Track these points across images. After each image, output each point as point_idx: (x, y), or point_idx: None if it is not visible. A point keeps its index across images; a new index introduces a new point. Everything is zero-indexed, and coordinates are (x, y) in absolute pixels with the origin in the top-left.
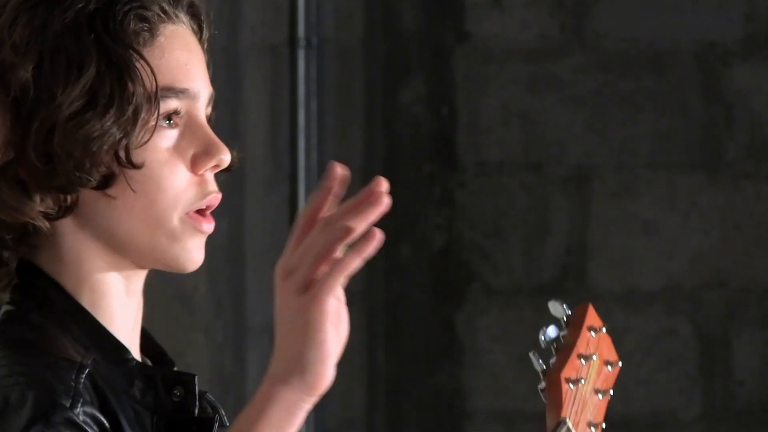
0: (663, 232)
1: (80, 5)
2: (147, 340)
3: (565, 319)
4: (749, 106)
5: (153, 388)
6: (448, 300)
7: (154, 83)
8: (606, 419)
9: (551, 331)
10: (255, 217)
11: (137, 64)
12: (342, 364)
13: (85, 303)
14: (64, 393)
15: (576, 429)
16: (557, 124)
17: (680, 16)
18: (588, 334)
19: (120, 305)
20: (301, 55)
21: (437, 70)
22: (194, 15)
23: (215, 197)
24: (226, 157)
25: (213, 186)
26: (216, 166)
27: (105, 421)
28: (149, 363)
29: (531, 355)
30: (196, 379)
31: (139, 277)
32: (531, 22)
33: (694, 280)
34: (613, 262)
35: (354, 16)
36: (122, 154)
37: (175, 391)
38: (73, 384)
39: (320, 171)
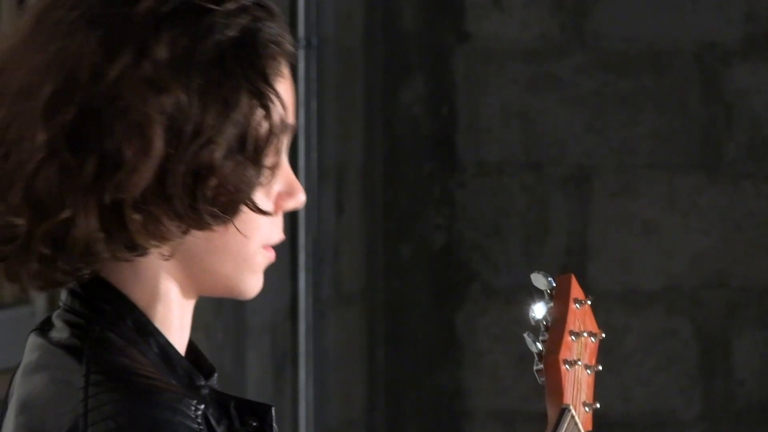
0: (663, 232)
1: (220, 35)
2: (194, 354)
3: (549, 291)
4: (749, 106)
5: (226, 417)
6: (448, 300)
7: (285, 126)
8: (596, 399)
9: (540, 308)
10: None
11: (279, 107)
12: (342, 364)
13: (157, 323)
14: None
15: (577, 414)
16: (557, 124)
17: (680, 16)
18: (574, 307)
19: (180, 323)
20: (301, 55)
21: (437, 70)
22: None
23: (282, 237)
24: (303, 198)
25: (282, 224)
26: (293, 207)
27: None
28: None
29: (525, 335)
30: (273, 411)
31: (196, 298)
32: (531, 22)
33: (694, 280)
34: (613, 262)
35: (354, 16)
36: (254, 199)
37: (251, 422)
38: (197, 426)
39: (320, 171)
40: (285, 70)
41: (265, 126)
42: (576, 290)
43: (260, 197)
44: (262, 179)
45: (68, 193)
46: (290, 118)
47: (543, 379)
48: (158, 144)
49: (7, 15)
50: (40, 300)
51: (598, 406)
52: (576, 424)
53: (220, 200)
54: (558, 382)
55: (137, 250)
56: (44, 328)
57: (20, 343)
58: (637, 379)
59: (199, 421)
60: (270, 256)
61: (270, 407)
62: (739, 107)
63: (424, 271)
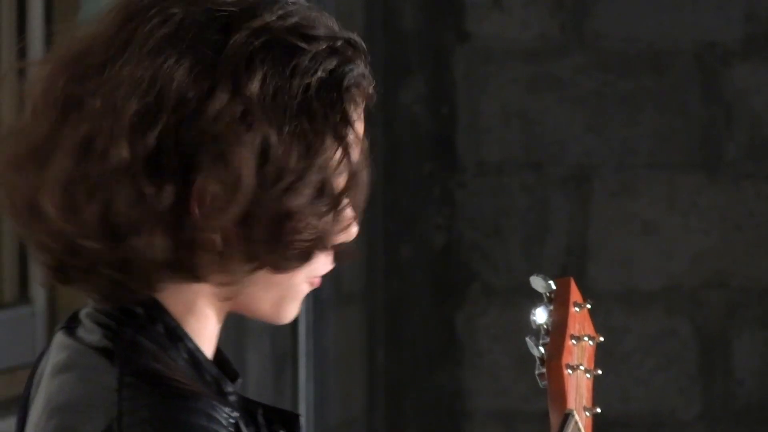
0: (663, 232)
1: (308, 78)
2: (220, 359)
3: (548, 294)
4: (749, 106)
5: (254, 424)
6: (448, 300)
7: (362, 174)
8: (595, 403)
9: (542, 313)
10: None
11: (357, 156)
12: (342, 364)
13: (188, 330)
14: None
15: (580, 420)
16: (557, 124)
17: (680, 16)
18: (574, 311)
19: (212, 332)
20: None
21: (437, 70)
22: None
23: (333, 265)
24: (355, 232)
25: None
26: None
27: None
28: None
29: (527, 339)
30: (301, 420)
31: (228, 312)
32: (531, 22)
33: (694, 280)
34: (613, 262)
35: (354, 16)
36: (328, 244)
37: (278, 429)
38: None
39: None
40: (361, 112)
41: (343, 171)
42: (575, 293)
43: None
44: (339, 226)
45: (144, 220)
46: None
47: (544, 383)
48: (248, 183)
49: (7, 15)
50: (40, 300)
51: (598, 410)
52: (579, 429)
53: (298, 246)
54: (561, 387)
55: (199, 281)
56: (71, 326)
57: (20, 343)
58: (637, 379)
59: (231, 429)
60: (314, 285)
61: (298, 416)
62: (739, 107)
63: (424, 271)
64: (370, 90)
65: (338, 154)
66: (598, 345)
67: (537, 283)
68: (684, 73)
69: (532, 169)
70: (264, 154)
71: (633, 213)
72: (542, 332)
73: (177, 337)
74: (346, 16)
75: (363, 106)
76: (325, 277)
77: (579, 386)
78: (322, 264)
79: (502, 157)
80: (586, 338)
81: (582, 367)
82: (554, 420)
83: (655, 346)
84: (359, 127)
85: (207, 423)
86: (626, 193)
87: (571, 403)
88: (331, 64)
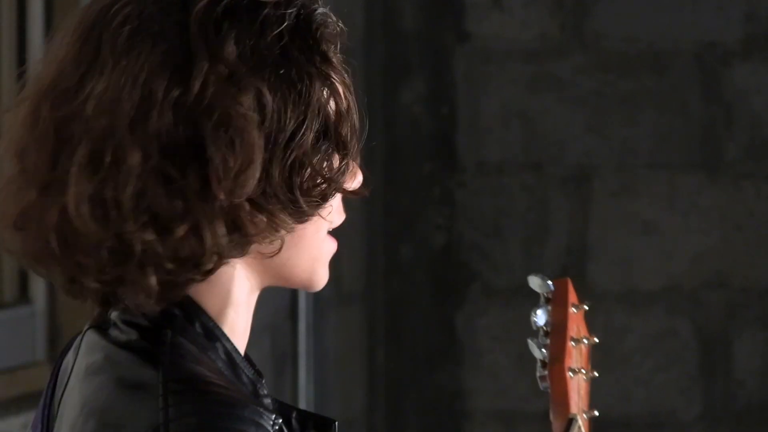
0: (663, 232)
1: (279, 23)
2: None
3: (546, 294)
4: (749, 106)
5: (288, 428)
6: (448, 300)
7: (356, 107)
8: (594, 407)
9: (542, 314)
10: None
11: (347, 89)
12: (342, 364)
13: (226, 328)
14: None
15: (583, 425)
16: (557, 124)
17: (680, 16)
18: (572, 312)
19: (244, 329)
20: None
21: (437, 70)
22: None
23: (343, 217)
24: (361, 179)
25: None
26: (357, 186)
27: None
28: None
29: (529, 341)
30: (336, 426)
31: (257, 294)
32: (531, 22)
33: (694, 280)
34: (613, 262)
35: (354, 16)
36: (346, 184)
37: None
38: None
39: None
40: (336, 50)
41: (336, 107)
42: (573, 295)
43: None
44: (349, 162)
45: (181, 205)
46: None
47: (545, 385)
48: (258, 143)
49: (7, 15)
50: (40, 300)
51: (596, 413)
52: None
53: (316, 189)
54: (564, 391)
55: (246, 250)
56: (102, 326)
57: (20, 343)
58: (637, 380)
59: None
60: (333, 245)
61: (333, 421)
62: (739, 107)
63: (424, 271)
64: (337, 28)
65: (327, 94)
66: (597, 345)
67: (535, 282)
68: (684, 73)
69: (532, 169)
70: (261, 110)
71: (633, 213)
72: (542, 333)
73: (215, 337)
74: (346, 16)
75: (336, 43)
76: None
77: (579, 389)
78: (337, 214)
79: (502, 157)
80: (584, 341)
81: (583, 371)
82: (557, 424)
83: (655, 346)
84: (338, 65)
85: (255, 430)
86: (626, 193)
87: (574, 408)
88: (295, 9)
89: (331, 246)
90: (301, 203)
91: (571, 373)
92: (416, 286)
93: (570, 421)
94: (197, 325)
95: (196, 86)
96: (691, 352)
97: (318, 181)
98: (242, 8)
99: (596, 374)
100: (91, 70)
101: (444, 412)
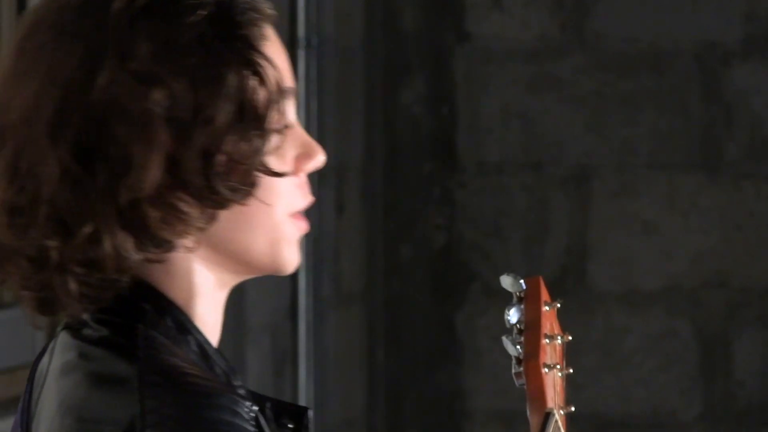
0: (663, 232)
1: (193, 17)
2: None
3: (518, 293)
4: (749, 106)
5: (262, 418)
6: (448, 300)
7: (282, 86)
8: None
9: (515, 313)
10: None
11: (268, 70)
12: (342, 364)
13: (197, 322)
14: None
15: (559, 419)
16: (557, 124)
17: (680, 16)
18: (545, 310)
19: (214, 321)
20: (301, 55)
21: (437, 70)
22: (276, 17)
23: (311, 199)
24: (323, 158)
25: (308, 187)
26: (315, 167)
27: None
28: None
29: (504, 339)
30: (310, 414)
31: (229, 288)
32: (531, 22)
33: (694, 280)
34: (613, 262)
35: (354, 16)
36: (266, 164)
37: (287, 423)
38: (254, 429)
39: (320, 171)
40: (269, 33)
41: (261, 92)
42: (545, 293)
43: (274, 162)
44: (270, 144)
45: (85, 207)
46: (288, 81)
47: (521, 382)
48: (162, 136)
49: (8, 16)
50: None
51: (572, 408)
52: (559, 428)
53: (234, 174)
54: (540, 386)
55: (164, 246)
56: (75, 326)
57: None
58: (637, 380)
59: (253, 423)
60: (301, 226)
61: (306, 409)
62: (739, 107)
63: (424, 271)
64: (267, 11)
65: (249, 77)
66: (597, 345)
67: (507, 282)
68: (684, 73)
69: (532, 169)
70: (173, 103)
71: (633, 213)
72: (515, 332)
73: (186, 330)
74: (346, 16)
75: (267, 26)
76: (325, 277)
77: (554, 384)
78: (294, 196)
79: (502, 157)
80: (558, 338)
81: (558, 366)
82: (534, 420)
83: (655, 346)
84: (269, 46)
85: (231, 418)
86: (626, 193)
87: (550, 402)
88: None
89: (292, 228)
90: (219, 189)
91: (546, 369)
92: (416, 286)
93: (547, 416)
94: (168, 319)
95: (102, 85)
96: (691, 352)
97: (234, 166)
98: (161, 2)
99: (571, 371)
100: (21, 79)
101: (444, 412)
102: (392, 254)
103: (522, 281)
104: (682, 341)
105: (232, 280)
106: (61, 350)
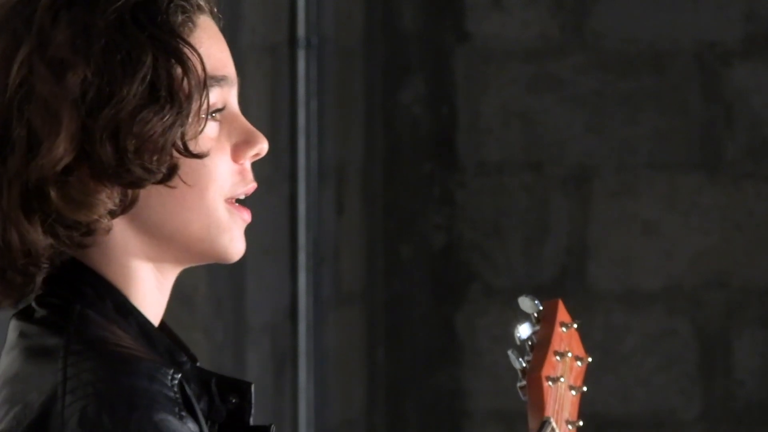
0: (663, 232)
1: (120, 2)
2: (172, 336)
3: (536, 315)
4: (749, 106)
5: (207, 394)
6: (448, 300)
7: (203, 72)
8: (581, 417)
9: (525, 329)
10: (255, 216)
11: (188, 54)
12: (342, 364)
13: (135, 302)
14: (169, 408)
15: (558, 427)
16: (557, 124)
17: (680, 16)
18: (560, 330)
19: (154, 302)
20: (301, 55)
21: (437, 70)
22: (210, 6)
23: (252, 186)
24: (265, 146)
25: (251, 175)
26: (256, 155)
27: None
28: None
29: (509, 353)
30: (253, 388)
31: (174, 274)
32: (531, 22)
33: (694, 280)
34: (613, 262)
35: (354, 16)
36: (182, 145)
37: (231, 398)
38: (173, 395)
39: (320, 171)
40: (201, 22)
41: (180, 77)
42: (562, 314)
43: (203, 146)
44: (190, 127)
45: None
46: (221, 69)
47: (526, 396)
48: (68, 116)
49: None
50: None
51: (581, 423)
52: None
53: (147, 154)
54: (540, 396)
55: (76, 228)
56: (24, 312)
57: None
58: (637, 379)
59: (176, 389)
60: (242, 215)
61: (250, 384)
62: (739, 107)
63: (424, 271)
64: (198, 1)
65: (169, 63)
66: (597, 345)
67: (525, 304)
68: (684, 73)
69: (532, 169)
70: (83, 86)
71: (633, 213)
72: (526, 349)
73: (127, 311)
74: (346, 16)
75: (199, 14)
76: (325, 277)
77: (561, 399)
78: (230, 182)
79: (502, 157)
80: (570, 355)
81: (563, 380)
82: (532, 426)
83: (655, 346)
84: (197, 33)
85: (149, 384)
86: (626, 193)
87: (549, 412)
88: None
89: (227, 213)
90: (130, 168)
91: (550, 382)
92: (416, 286)
93: (543, 423)
94: (108, 300)
95: (17, 73)
96: (691, 352)
97: (145, 145)
98: None
99: (585, 389)
100: None
101: (444, 412)
102: (392, 254)
103: (538, 302)
104: (682, 341)
105: (174, 266)
106: (9, 333)
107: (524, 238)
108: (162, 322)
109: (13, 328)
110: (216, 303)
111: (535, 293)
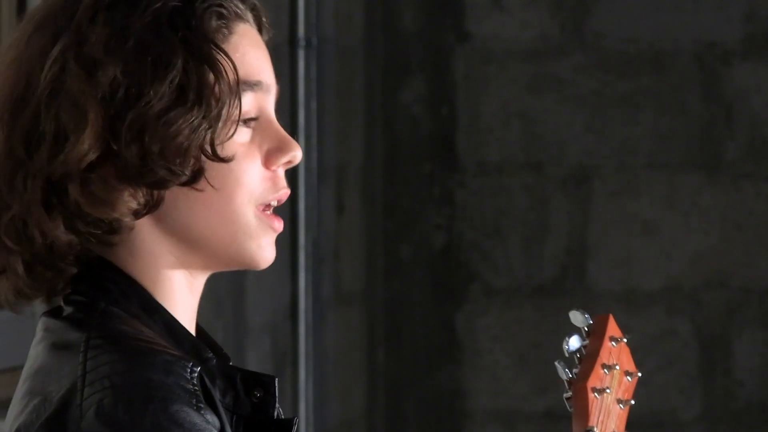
0: (663, 232)
1: (158, 4)
2: (203, 336)
3: (586, 328)
4: (749, 106)
5: (233, 388)
6: (448, 300)
7: (236, 77)
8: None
9: (575, 341)
10: None
11: (220, 59)
12: (342, 364)
13: (164, 301)
14: (186, 400)
15: None
16: (557, 124)
17: (680, 16)
18: (609, 344)
19: (184, 303)
20: (301, 55)
21: (437, 70)
22: (257, 16)
23: (285, 193)
24: (299, 154)
25: (284, 182)
26: (289, 162)
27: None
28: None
29: (557, 364)
30: (276, 382)
31: (204, 276)
32: (531, 22)
33: (694, 280)
34: (613, 262)
35: (354, 16)
36: (209, 149)
37: (256, 392)
38: (191, 387)
39: (320, 171)
40: (240, 29)
41: (211, 81)
42: (613, 329)
43: (229, 149)
44: (217, 129)
45: (15, 187)
46: (257, 75)
47: (571, 405)
48: (93, 114)
49: (8, 15)
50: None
51: None
52: None
53: (172, 156)
54: (585, 407)
55: (97, 225)
56: (53, 311)
57: (20, 343)
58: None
59: (195, 382)
60: (272, 223)
61: (274, 378)
62: (739, 107)
63: (424, 271)
64: (235, 8)
65: (201, 67)
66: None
67: (576, 318)
68: (684, 73)
69: (532, 169)
70: (113, 85)
71: (633, 213)
72: (575, 362)
73: (152, 309)
74: (346, 16)
75: (238, 21)
76: (325, 277)
77: (607, 410)
78: (261, 188)
79: (502, 157)
80: (618, 367)
81: (609, 391)
82: None
83: (655, 346)
84: (232, 40)
85: (165, 377)
86: (626, 193)
87: (593, 422)
88: None
89: (255, 220)
90: (154, 169)
91: (596, 394)
92: (416, 286)
93: (586, 431)
94: (134, 299)
95: (51, 71)
96: (691, 352)
97: (169, 146)
98: None
99: (633, 402)
100: (1, 70)
101: (444, 412)
102: (392, 254)
103: (588, 316)
104: (682, 341)
105: (203, 270)
106: (37, 332)
107: (524, 238)
108: (197, 324)
109: (40, 324)
110: (216, 303)
111: (535, 293)
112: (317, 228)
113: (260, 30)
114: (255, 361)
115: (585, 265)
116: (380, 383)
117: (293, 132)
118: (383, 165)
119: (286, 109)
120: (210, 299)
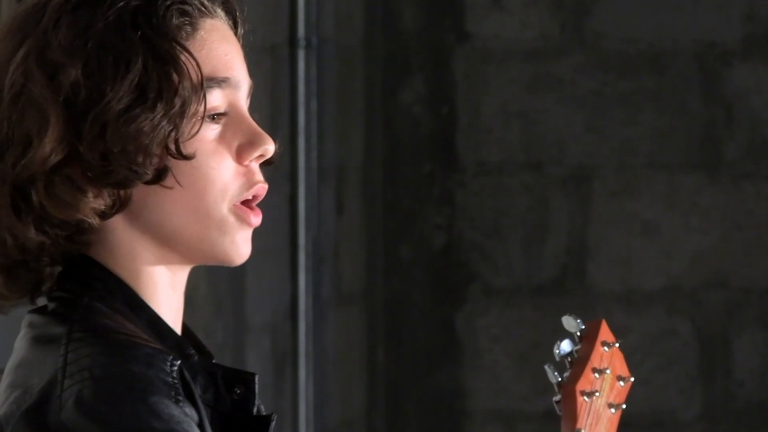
0: (663, 232)
1: (121, 4)
2: (188, 334)
3: (578, 333)
4: (749, 106)
5: (213, 385)
6: (448, 300)
7: (199, 75)
8: None
9: (566, 345)
10: None
11: (182, 57)
12: (342, 364)
13: (146, 299)
14: (165, 392)
15: None
16: (557, 124)
17: (680, 16)
18: (601, 348)
19: (167, 299)
20: (301, 55)
21: (437, 70)
22: (229, 10)
23: (262, 187)
24: (270, 147)
25: (259, 176)
26: (261, 156)
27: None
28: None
29: (546, 367)
30: (257, 379)
31: (185, 271)
32: (531, 22)
33: (694, 280)
34: (613, 262)
35: (354, 16)
36: (173, 146)
37: (236, 389)
38: (171, 380)
39: (320, 171)
40: (205, 25)
41: (175, 80)
42: (605, 334)
43: (192, 146)
44: (180, 127)
45: None
46: (223, 71)
47: (561, 410)
48: (54, 117)
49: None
50: (39, 300)
51: None
52: None
53: (130, 152)
54: (573, 409)
55: (64, 227)
56: (39, 308)
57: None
58: (637, 379)
59: (174, 375)
60: (247, 218)
61: (254, 375)
62: (739, 107)
63: (424, 271)
64: (199, 5)
65: (164, 66)
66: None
67: (569, 323)
68: (684, 73)
69: (532, 169)
70: (74, 87)
71: (633, 213)
72: (567, 365)
73: (137, 305)
74: (346, 16)
75: (203, 18)
76: (325, 277)
77: (596, 414)
78: (233, 184)
79: (502, 157)
80: (608, 372)
81: (598, 394)
82: None
83: (655, 346)
84: (197, 38)
85: (146, 369)
86: (626, 193)
87: (581, 424)
88: None
89: (229, 216)
90: (116, 169)
91: (585, 397)
92: (416, 286)
93: None
94: (119, 295)
95: (15, 74)
96: (691, 352)
97: (131, 144)
98: None
99: (624, 407)
100: None
101: (444, 412)
102: (392, 254)
103: (580, 321)
104: (681, 341)
105: (181, 265)
106: (22, 326)
107: (524, 238)
108: (183, 323)
109: (25, 320)
110: (216, 303)
111: (535, 293)
112: (317, 228)
113: (235, 24)
114: (255, 361)
115: (585, 265)
116: (380, 383)
117: (293, 132)
118: (383, 165)
119: (286, 109)
120: (210, 299)
